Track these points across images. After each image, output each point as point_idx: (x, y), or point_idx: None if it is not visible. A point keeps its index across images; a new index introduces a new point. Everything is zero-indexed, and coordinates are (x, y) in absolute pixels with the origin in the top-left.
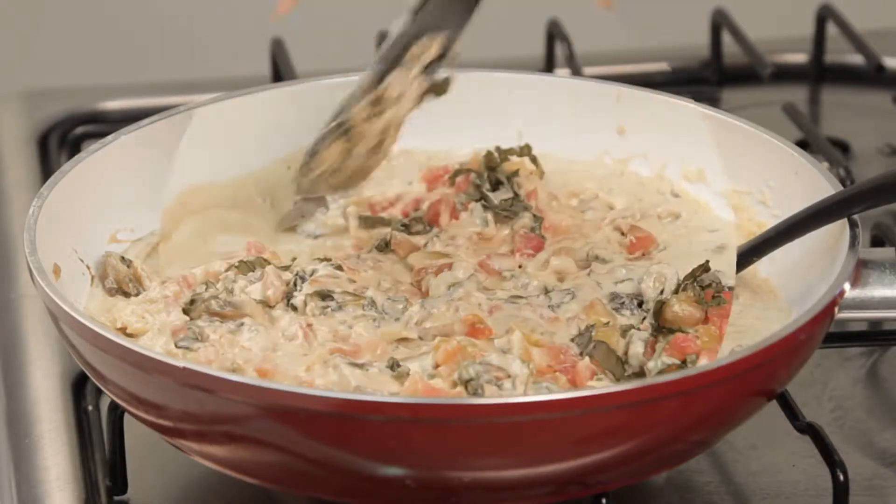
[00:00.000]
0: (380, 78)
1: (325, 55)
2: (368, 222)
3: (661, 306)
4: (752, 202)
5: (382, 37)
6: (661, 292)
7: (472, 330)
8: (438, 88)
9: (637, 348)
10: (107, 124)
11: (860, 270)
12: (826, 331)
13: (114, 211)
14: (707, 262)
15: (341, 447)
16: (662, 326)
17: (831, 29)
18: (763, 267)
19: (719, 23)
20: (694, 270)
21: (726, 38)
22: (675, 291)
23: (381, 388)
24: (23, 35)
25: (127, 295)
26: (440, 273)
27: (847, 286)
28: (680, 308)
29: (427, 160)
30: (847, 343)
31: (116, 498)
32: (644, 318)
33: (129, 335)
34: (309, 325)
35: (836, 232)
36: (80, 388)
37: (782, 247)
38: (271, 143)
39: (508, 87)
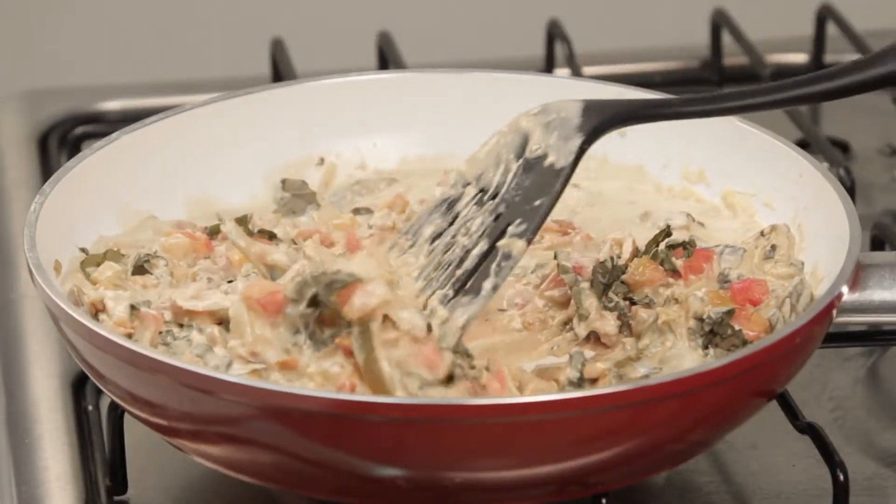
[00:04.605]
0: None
1: (325, 55)
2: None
3: (621, 272)
4: (757, 204)
5: (383, 37)
6: (619, 256)
7: None
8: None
9: (586, 300)
10: (107, 124)
11: (859, 273)
12: (825, 333)
13: (116, 209)
14: (668, 226)
15: (337, 447)
16: (630, 293)
17: (831, 29)
18: None
19: (719, 23)
20: (656, 236)
21: (726, 38)
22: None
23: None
24: (23, 35)
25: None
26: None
27: (845, 289)
28: (637, 271)
29: (427, 162)
30: (847, 343)
31: (116, 498)
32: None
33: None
34: None
35: (836, 233)
36: (80, 388)
37: None
38: (271, 143)
39: (508, 88)
